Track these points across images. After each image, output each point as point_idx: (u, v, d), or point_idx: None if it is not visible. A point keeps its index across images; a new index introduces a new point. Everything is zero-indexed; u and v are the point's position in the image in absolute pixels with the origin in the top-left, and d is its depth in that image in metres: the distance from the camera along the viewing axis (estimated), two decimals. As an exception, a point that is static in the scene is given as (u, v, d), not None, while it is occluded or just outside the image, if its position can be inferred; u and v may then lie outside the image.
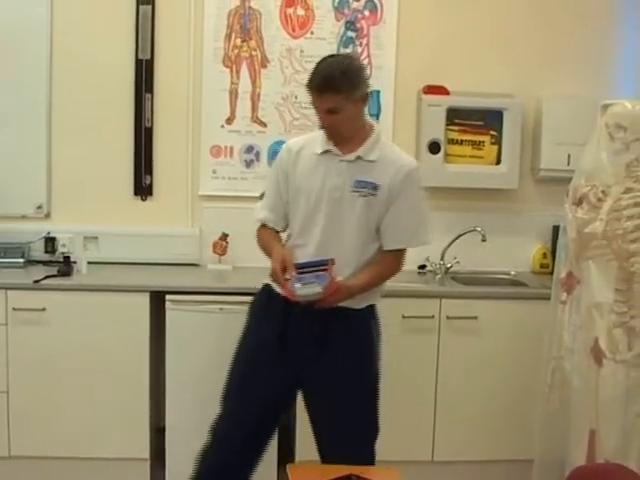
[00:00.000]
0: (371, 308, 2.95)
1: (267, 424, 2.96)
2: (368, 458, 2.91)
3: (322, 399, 2.88)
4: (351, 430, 2.86)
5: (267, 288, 2.94)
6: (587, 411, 3.09)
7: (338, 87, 2.75)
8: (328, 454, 2.91)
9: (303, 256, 2.84)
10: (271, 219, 2.95)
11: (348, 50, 4.07)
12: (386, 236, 2.89)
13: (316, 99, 2.78)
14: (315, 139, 2.93)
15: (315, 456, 3.53)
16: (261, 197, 3.00)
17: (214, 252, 4.04)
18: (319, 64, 2.85)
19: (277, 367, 2.86)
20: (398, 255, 2.94)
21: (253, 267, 3.94)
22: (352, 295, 2.82)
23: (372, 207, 2.84)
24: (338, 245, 2.84)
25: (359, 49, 4.08)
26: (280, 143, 4.06)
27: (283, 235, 3.02)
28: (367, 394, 2.92)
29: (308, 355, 2.84)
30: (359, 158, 2.84)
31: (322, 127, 2.84)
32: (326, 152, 2.87)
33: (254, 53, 4.04)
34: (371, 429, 2.95)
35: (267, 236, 2.98)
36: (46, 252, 3.94)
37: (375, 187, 2.83)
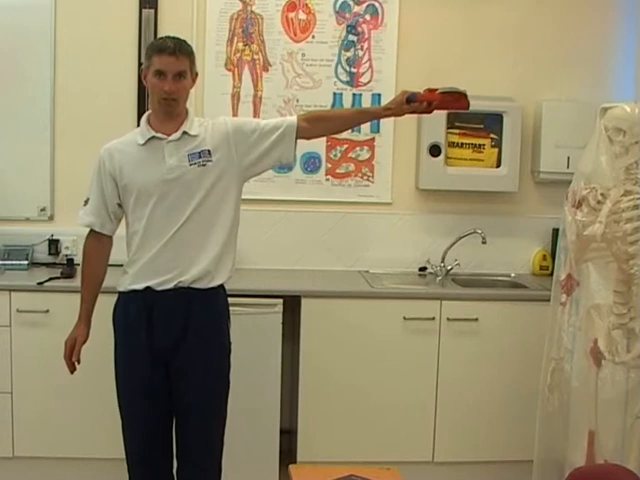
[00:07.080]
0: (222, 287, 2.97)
1: (163, 415, 2.94)
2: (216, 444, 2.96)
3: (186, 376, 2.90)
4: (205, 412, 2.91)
5: (123, 296, 2.95)
6: (586, 412, 3.11)
7: (190, 51, 2.88)
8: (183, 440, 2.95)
9: (154, 250, 2.84)
10: (96, 223, 2.94)
11: (349, 54, 4.10)
12: (276, 139, 2.92)
13: (169, 62, 2.80)
14: (132, 136, 2.95)
15: (317, 457, 3.57)
16: (85, 204, 2.97)
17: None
18: (158, 39, 3.02)
19: (149, 361, 2.87)
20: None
21: (254, 269, 3.99)
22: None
23: (217, 169, 2.87)
24: (207, 222, 2.87)
25: (360, 53, 4.10)
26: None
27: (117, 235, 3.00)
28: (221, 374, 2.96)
29: (173, 336, 2.86)
30: (185, 133, 2.89)
31: (162, 99, 2.84)
32: (150, 140, 2.88)
33: (256, 57, 4.07)
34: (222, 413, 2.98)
35: (87, 274, 2.99)
36: (50, 254, 3.97)
37: (208, 152, 2.88)
